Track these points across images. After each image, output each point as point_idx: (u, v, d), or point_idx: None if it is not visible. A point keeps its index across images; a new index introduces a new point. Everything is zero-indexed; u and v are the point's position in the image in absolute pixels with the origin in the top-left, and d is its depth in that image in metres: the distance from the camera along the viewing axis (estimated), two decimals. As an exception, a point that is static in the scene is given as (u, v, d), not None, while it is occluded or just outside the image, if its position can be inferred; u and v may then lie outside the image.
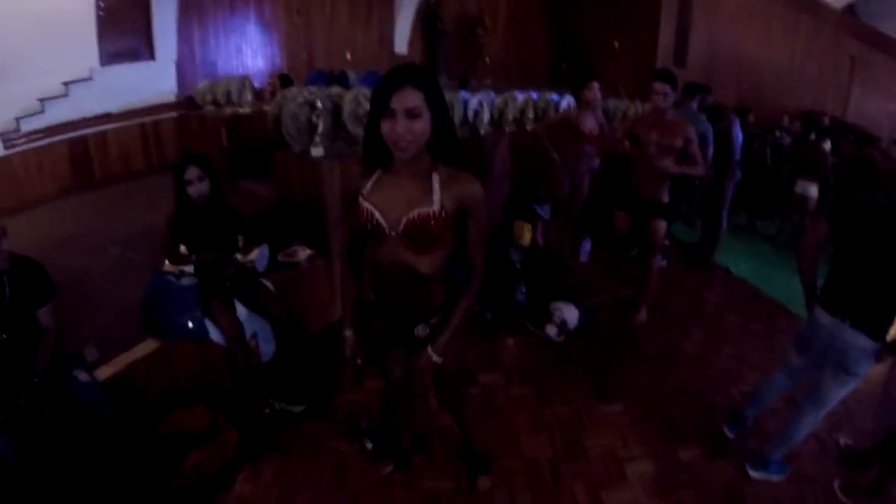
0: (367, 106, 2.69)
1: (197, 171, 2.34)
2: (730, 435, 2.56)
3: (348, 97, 3.37)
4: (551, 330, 3.41)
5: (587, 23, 10.54)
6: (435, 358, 1.67)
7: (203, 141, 5.23)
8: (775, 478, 2.31)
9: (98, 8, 5.28)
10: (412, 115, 1.34)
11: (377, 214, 1.51)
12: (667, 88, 3.03)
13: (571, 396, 2.86)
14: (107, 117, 5.38)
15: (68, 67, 5.09)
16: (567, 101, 5.08)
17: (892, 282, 1.89)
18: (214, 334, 2.52)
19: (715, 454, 2.47)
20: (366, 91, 3.40)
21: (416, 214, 1.46)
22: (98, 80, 5.31)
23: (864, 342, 1.94)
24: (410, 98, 1.34)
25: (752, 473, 2.33)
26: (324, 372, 2.89)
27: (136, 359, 2.44)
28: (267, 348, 2.69)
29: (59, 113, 4.99)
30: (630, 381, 3.01)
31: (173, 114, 5.84)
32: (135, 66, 5.78)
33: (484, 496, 2.23)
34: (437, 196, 1.46)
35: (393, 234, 1.51)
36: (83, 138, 5.17)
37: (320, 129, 3.18)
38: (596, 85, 3.82)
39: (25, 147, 4.71)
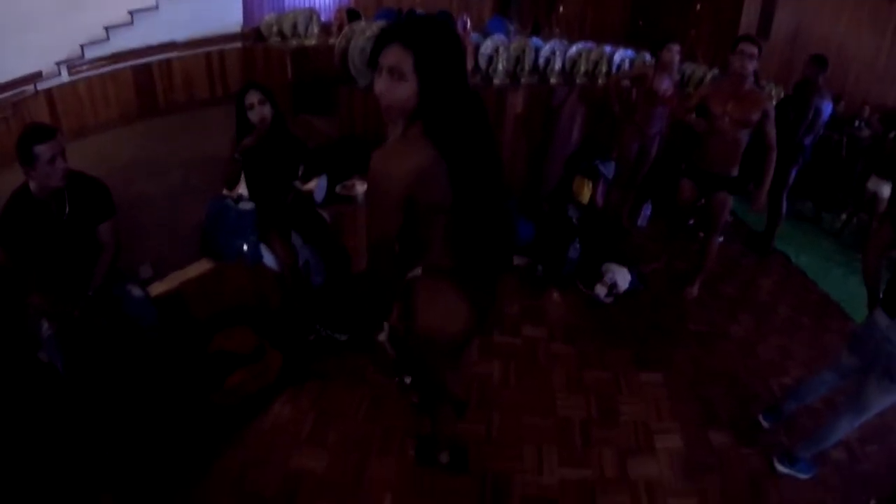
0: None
1: (258, 94, 2.35)
2: (765, 425, 2.52)
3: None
4: (601, 290, 3.37)
5: (670, -19, 9.93)
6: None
7: (267, 73, 5.24)
8: (801, 476, 2.27)
9: (165, -62, 5.26)
10: (394, 75, 1.21)
11: None
12: (754, 50, 2.83)
13: (612, 361, 2.86)
14: (172, 46, 5.43)
15: (135, -3, 5.13)
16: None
17: None
18: (268, 259, 2.59)
19: (745, 442, 2.43)
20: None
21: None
22: (164, 10, 5.33)
23: None
24: (394, 57, 1.20)
25: (779, 468, 2.29)
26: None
27: (189, 278, 2.53)
28: (317, 278, 2.75)
29: (125, 41, 5.06)
30: (672, 356, 2.97)
31: (238, 45, 5.83)
32: (201, -4, 5.77)
33: (511, 448, 2.26)
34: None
35: None
36: (147, 66, 5.24)
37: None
38: (676, 47, 3.66)
39: (90, 73, 4.82)
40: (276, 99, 2.44)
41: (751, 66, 2.86)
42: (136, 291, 2.20)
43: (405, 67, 1.20)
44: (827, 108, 4.01)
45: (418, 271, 1.48)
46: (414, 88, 1.22)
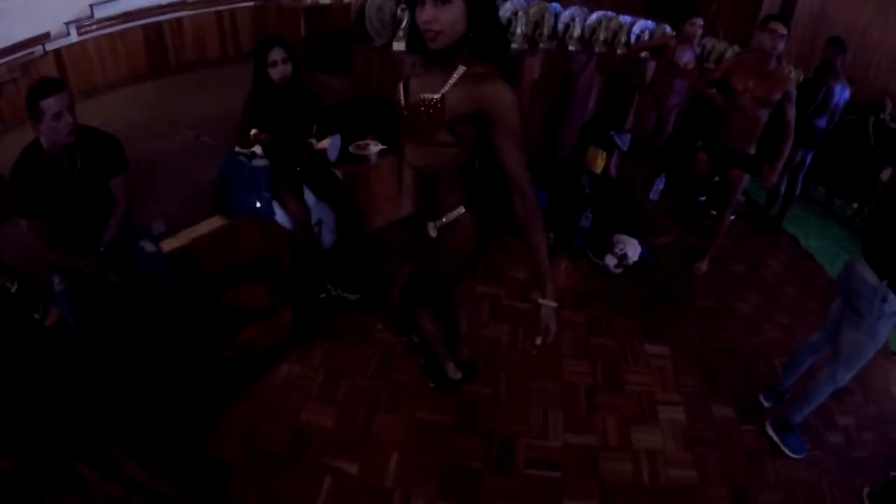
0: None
1: (282, 52, 2.31)
2: (766, 405, 2.55)
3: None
4: (611, 261, 3.38)
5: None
6: (548, 303, 1.47)
7: (280, 31, 5.13)
8: (788, 452, 2.29)
9: None
10: (439, 0, 1.23)
11: (401, 95, 1.49)
12: (784, 30, 2.76)
13: (619, 330, 2.88)
14: (182, 4, 5.33)
15: (145, -45, 5.02)
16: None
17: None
18: (281, 216, 2.58)
19: (747, 419, 2.45)
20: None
21: (418, 99, 1.40)
22: (174, -32, 5.24)
23: (871, 278, 1.96)
24: None
25: (769, 431, 2.34)
26: (381, 266, 2.99)
27: (201, 234, 2.53)
28: (329, 237, 2.75)
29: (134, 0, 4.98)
30: (679, 329, 2.98)
31: (250, 3, 5.72)
32: (212, -47, 5.64)
33: (517, 411, 2.29)
34: (447, 87, 1.35)
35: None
36: (158, 25, 5.16)
37: (405, 23, 3.07)
38: (699, 20, 3.61)
39: (99, 33, 4.74)
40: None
41: (778, 44, 2.79)
42: (149, 246, 2.20)
43: None
44: (843, 92, 3.93)
45: (461, 210, 1.57)
46: (461, 9, 1.26)
